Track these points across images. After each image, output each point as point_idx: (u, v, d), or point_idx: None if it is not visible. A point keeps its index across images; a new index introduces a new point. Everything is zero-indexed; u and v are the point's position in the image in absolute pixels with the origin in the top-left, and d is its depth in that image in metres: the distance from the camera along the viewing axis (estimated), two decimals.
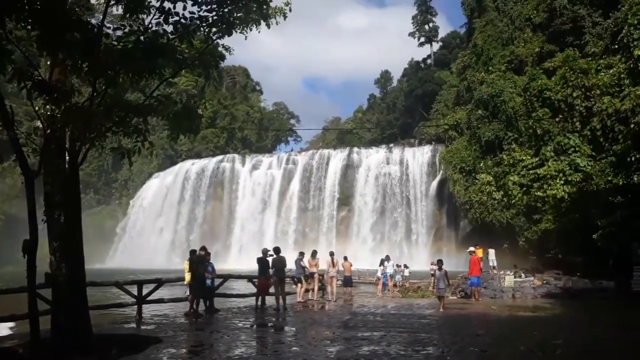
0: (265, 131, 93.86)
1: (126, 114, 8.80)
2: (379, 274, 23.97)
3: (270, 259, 15.76)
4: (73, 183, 9.23)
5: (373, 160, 59.98)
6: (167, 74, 9.57)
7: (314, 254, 18.81)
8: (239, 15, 9.18)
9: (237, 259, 56.40)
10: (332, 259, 19.24)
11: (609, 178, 26.05)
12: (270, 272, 15.61)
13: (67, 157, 9.20)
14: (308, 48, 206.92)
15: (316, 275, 18.90)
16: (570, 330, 12.50)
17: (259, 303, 16.07)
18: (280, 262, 15.78)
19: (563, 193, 29.61)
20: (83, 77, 8.96)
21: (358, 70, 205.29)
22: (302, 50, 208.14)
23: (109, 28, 8.70)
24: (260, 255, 15.89)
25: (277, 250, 16.10)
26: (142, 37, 8.53)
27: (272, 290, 16.01)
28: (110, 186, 76.56)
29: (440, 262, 16.30)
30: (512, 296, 20.47)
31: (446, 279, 16.10)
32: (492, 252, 27.97)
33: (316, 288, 19.16)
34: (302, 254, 18.45)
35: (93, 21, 9.50)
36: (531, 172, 32.64)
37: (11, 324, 13.06)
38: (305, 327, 12.99)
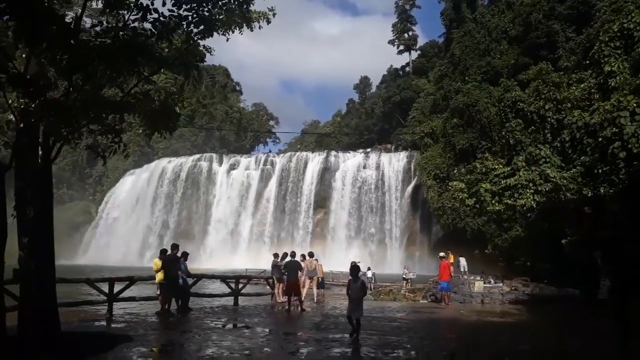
0: (244, 131, 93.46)
1: (103, 111, 8.76)
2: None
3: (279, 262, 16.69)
4: (45, 179, 9.12)
5: (350, 164, 60.39)
6: (146, 72, 9.53)
7: (311, 255, 18.96)
8: (220, 17, 9.22)
9: (210, 259, 56.03)
10: (310, 260, 19.17)
11: (578, 188, 26.91)
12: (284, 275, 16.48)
13: (40, 152, 9.09)
14: (284, 51, 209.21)
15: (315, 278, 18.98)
16: (537, 336, 12.86)
17: (290, 307, 16.07)
18: (293, 266, 16.29)
19: (532, 202, 30.38)
20: (60, 71, 8.86)
21: (332, 75, 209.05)
22: (278, 52, 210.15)
23: (86, 24, 8.63)
24: (289, 258, 16.75)
25: (292, 254, 16.86)
26: (121, 34, 8.47)
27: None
28: (84, 182, 75.08)
29: (355, 269, 11.26)
30: (481, 301, 20.91)
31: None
32: (462, 259, 28.58)
33: (316, 291, 19.19)
34: (276, 255, 18.49)
35: (71, 14, 9.41)
36: (503, 181, 33.40)
37: None
38: (277, 328, 13.06)
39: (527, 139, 33.05)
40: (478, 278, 23.87)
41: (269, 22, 9.77)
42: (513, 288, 22.91)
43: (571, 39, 39.49)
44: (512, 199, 31.91)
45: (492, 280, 24.24)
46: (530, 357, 9.91)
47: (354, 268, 11.13)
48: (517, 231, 31.57)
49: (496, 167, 34.79)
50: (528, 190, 30.97)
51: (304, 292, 17.79)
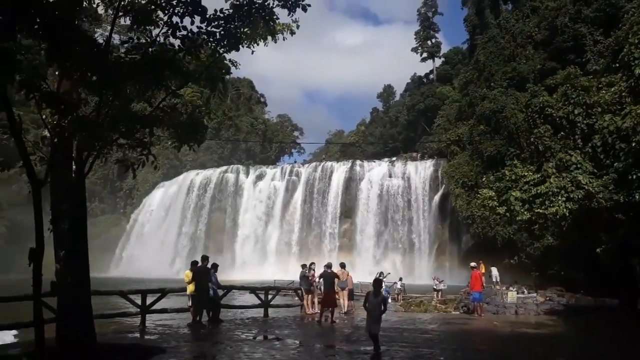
0: (269, 143, 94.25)
1: (132, 125, 8.95)
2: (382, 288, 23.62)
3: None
4: (79, 192, 9.36)
5: (375, 173, 60.06)
6: (173, 86, 9.73)
7: (342, 266, 18.94)
8: (245, 30, 9.37)
9: (239, 270, 56.30)
10: (343, 271, 18.92)
11: (611, 195, 26.09)
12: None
13: (74, 167, 9.34)
14: (306, 62, 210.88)
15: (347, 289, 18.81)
16: (574, 347, 12.47)
17: (323, 318, 16.00)
18: (330, 277, 16.45)
19: (564, 210, 29.59)
20: (90, 89, 9.12)
21: (355, 85, 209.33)
22: (301, 63, 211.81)
23: (115, 40, 8.87)
24: (321, 269, 17.07)
25: (329, 265, 17.05)
26: (149, 50, 8.69)
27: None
28: (115, 195, 76.75)
29: (378, 283, 10.85)
30: (515, 312, 20.39)
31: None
32: (494, 269, 28.00)
33: (346, 302, 18.88)
34: (304, 266, 18.48)
35: (100, 31, 9.65)
36: (533, 188, 32.65)
37: (15, 332, 13.10)
38: (308, 340, 13.01)
39: (557, 145, 32.27)
40: (511, 288, 23.31)
41: (292, 33, 9.87)
42: (547, 298, 22.31)
43: (599, 42, 38.52)
44: (543, 207, 31.14)
45: (525, 290, 23.65)
46: None
47: (377, 282, 10.70)
48: (549, 240, 30.75)
49: (526, 174, 34.03)
50: (560, 198, 30.15)
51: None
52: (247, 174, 68.01)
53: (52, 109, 7.98)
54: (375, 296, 10.18)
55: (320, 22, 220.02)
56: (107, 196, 76.26)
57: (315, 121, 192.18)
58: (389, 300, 23.62)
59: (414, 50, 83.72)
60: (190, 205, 66.24)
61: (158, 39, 8.67)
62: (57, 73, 9.18)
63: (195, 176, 68.91)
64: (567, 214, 29.35)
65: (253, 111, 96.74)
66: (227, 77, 10.78)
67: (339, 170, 62.50)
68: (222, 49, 9.39)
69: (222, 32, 9.06)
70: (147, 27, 9.06)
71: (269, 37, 9.63)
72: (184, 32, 8.60)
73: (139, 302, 13.98)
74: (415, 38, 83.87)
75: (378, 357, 9.84)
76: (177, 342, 11.56)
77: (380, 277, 23.02)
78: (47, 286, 9.08)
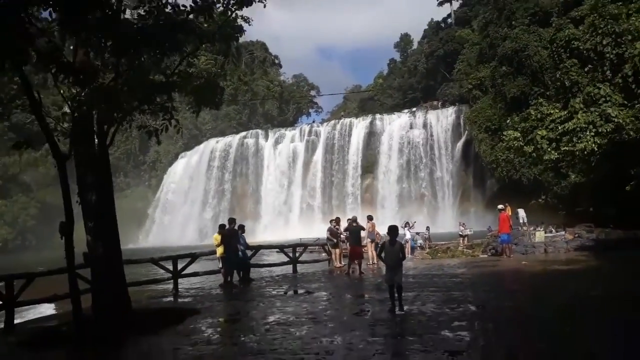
0: (286, 104, 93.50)
1: (150, 92, 8.87)
2: (407, 237, 23.42)
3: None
4: (103, 164, 9.42)
5: (396, 125, 59.29)
6: (188, 50, 9.56)
7: (370, 218, 18.82)
8: None
9: (265, 231, 57.28)
10: (370, 223, 18.68)
11: None
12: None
13: (96, 140, 9.37)
14: (318, 18, 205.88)
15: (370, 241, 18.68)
16: (609, 281, 12.30)
17: (351, 270, 16.15)
18: (357, 231, 16.49)
19: (593, 145, 28.72)
20: (106, 58, 9.04)
21: (370, 37, 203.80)
22: (313, 20, 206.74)
23: (127, 6, 8.71)
24: (347, 224, 17.11)
25: (354, 219, 16.98)
26: (161, 15, 8.52)
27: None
28: (139, 168, 78.08)
29: (394, 231, 9.59)
30: (545, 251, 20.24)
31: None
32: (521, 211, 27.64)
33: (373, 254, 18.36)
34: (331, 221, 18.56)
35: None
36: (560, 126, 31.71)
37: (54, 305, 13.63)
38: (338, 291, 13.18)
39: (584, 79, 30.99)
40: (538, 228, 23.06)
41: None
42: (576, 235, 21.98)
43: None
44: (570, 145, 30.29)
45: (553, 229, 23.37)
46: (603, 302, 9.47)
47: (392, 229, 9.45)
48: (577, 177, 30.10)
49: (552, 112, 32.91)
50: (588, 133, 29.17)
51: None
52: (266, 137, 68.14)
53: (70, 78, 7.94)
54: (392, 244, 9.33)
55: None
56: (131, 170, 77.63)
57: (332, 78, 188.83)
58: (417, 249, 23.76)
59: None
60: (213, 173, 67.06)
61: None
62: (71, 48, 9.13)
63: (216, 144, 69.38)
64: (596, 149, 28.53)
65: (268, 74, 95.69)
66: (240, 38, 10.52)
67: (359, 126, 61.92)
68: (234, 6, 9.13)
69: None
70: None
71: None
72: None
73: (170, 268, 14.31)
74: None
75: (401, 316, 8.87)
76: (210, 303, 11.86)
77: (407, 227, 23.16)
78: (81, 258, 9.33)
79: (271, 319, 9.26)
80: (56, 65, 7.75)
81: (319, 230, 18.08)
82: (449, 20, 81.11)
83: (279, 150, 65.82)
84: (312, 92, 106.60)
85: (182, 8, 8.69)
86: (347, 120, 66.27)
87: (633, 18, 29.08)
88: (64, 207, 8.34)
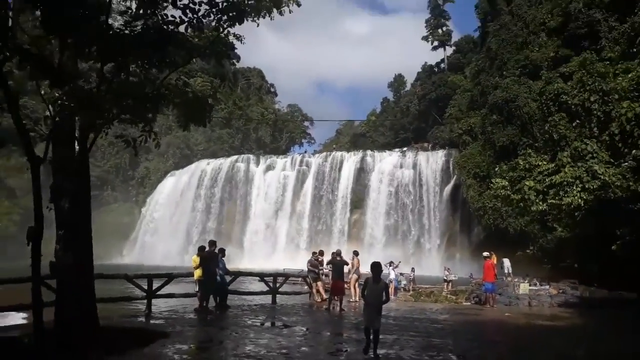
0: (279, 132, 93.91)
1: (137, 102, 8.60)
2: (391, 277, 23.20)
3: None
4: (82, 170, 9.04)
5: (386, 163, 59.52)
6: (179, 62, 9.35)
7: (356, 253, 18.23)
8: (250, 2, 8.98)
9: (249, 259, 56.29)
10: (356, 259, 18.11)
11: (628, 185, 25.40)
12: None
13: (77, 145, 9.02)
14: (316, 51, 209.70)
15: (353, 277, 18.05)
16: (593, 341, 12.01)
17: (331, 306, 15.69)
18: (340, 265, 16.09)
19: (580, 201, 28.89)
20: (92, 63, 8.77)
21: (365, 75, 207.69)
22: (310, 53, 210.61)
23: (114, 11, 8.49)
24: (331, 257, 16.67)
25: (338, 252, 16.67)
26: (150, 22, 8.31)
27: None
28: (128, 183, 77.06)
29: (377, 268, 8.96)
30: (528, 304, 19.93)
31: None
32: (506, 260, 27.51)
33: (357, 291, 17.59)
34: (314, 253, 18.19)
35: None
36: (547, 178, 31.97)
37: (24, 314, 12.92)
38: (316, 327, 12.71)
39: (572, 133, 31.49)
40: (523, 280, 22.83)
41: (299, 4, 9.48)
42: (561, 291, 21.80)
43: (614, 29, 37.38)
44: (557, 198, 30.46)
45: (537, 282, 23.17)
46: None
47: (376, 267, 8.69)
48: (563, 231, 30.12)
49: (540, 163, 33.27)
50: (575, 188, 29.43)
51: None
52: (257, 163, 67.94)
53: (47, 79, 7.63)
54: (376, 282, 8.55)
55: (329, 10, 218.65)
56: (119, 185, 76.60)
57: (326, 111, 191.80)
58: (401, 290, 23.34)
59: (425, 38, 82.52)
60: (202, 194, 66.30)
61: (159, 9, 8.28)
62: (57, 49, 8.87)
63: (206, 165, 68.92)
64: (582, 204, 28.68)
65: (263, 101, 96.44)
66: (236, 65, 10.35)
67: (350, 161, 62.09)
68: (226, 22, 9.00)
69: (225, 3, 8.67)
70: None
71: (274, 10, 9.23)
72: (185, 1, 8.21)
73: (145, 286, 13.74)
74: (425, 26, 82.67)
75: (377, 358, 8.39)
76: (182, 327, 11.32)
77: (391, 266, 22.78)
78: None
79: (242, 350, 8.79)
80: (32, 62, 7.42)
81: (303, 262, 17.69)
82: (442, 65, 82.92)
83: (269, 177, 65.53)
84: (306, 123, 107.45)
85: (171, 19, 8.49)
86: (339, 153, 66.49)
87: (620, 78, 29.84)
88: (34, 211, 7.95)
